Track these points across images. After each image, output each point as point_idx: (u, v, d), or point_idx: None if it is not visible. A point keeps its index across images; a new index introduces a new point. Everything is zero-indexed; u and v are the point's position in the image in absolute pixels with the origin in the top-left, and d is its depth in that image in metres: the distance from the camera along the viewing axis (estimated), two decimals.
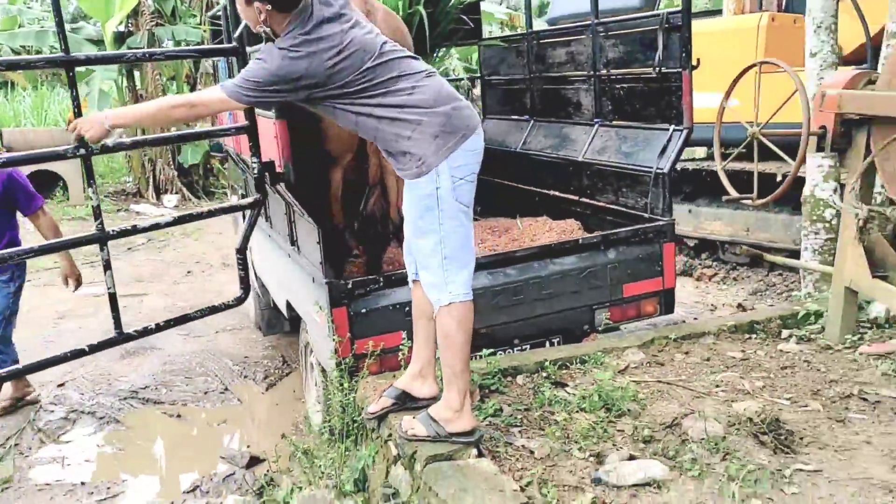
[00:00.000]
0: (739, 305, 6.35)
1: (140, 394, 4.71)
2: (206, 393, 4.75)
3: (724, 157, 4.33)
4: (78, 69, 3.40)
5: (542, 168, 5.10)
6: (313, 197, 3.91)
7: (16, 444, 4.03)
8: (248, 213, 3.84)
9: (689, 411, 3.01)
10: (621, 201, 4.36)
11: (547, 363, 3.40)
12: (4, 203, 4.21)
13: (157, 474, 3.87)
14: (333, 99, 2.66)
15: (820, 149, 3.52)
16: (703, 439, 2.76)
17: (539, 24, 8.75)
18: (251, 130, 3.49)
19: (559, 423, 2.90)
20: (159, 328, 3.44)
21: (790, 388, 3.23)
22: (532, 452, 2.74)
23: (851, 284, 3.55)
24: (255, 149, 3.51)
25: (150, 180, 12.17)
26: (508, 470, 2.61)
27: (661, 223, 4.01)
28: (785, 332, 3.84)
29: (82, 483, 3.66)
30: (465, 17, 5.43)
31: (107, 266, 3.25)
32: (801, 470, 2.58)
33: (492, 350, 3.54)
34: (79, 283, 4.53)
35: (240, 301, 3.85)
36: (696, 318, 5.63)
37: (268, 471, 3.63)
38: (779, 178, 5.73)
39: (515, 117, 5.63)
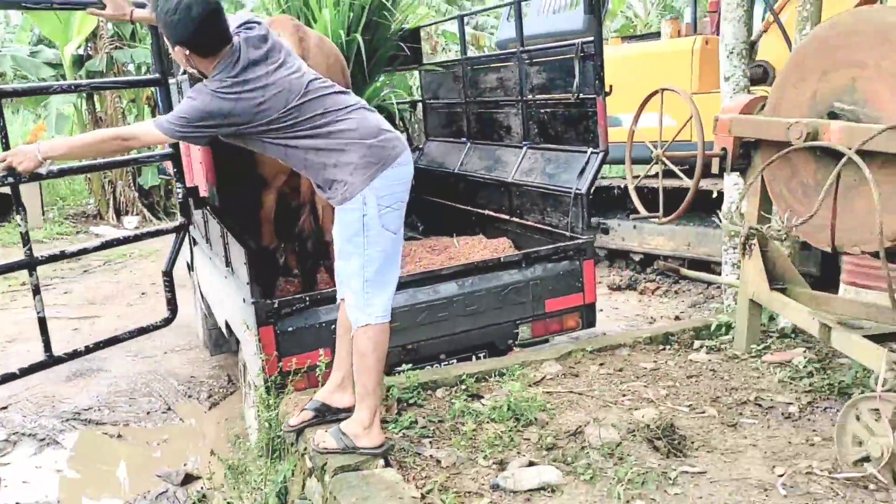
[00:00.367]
0: (677, 317, 6.59)
1: (83, 415, 4.81)
2: (148, 413, 4.85)
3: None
4: None
5: (478, 188, 5.29)
6: (242, 219, 4.06)
7: None
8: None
9: (594, 419, 3.19)
10: (546, 220, 4.56)
11: (465, 377, 3.57)
12: None
13: (91, 494, 3.97)
14: (261, 134, 2.79)
15: (721, 170, 3.74)
16: (600, 445, 2.93)
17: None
18: (175, 157, 3.64)
19: (467, 433, 3.06)
20: (88, 350, 3.56)
21: (692, 395, 3.43)
22: (439, 462, 2.89)
23: (754, 296, 3.77)
24: (179, 174, 3.66)
25: (111, 202, 12.21)
26: (413, 479, 2.77)
27: (580, 241, 4.21)
28: (697, 343, 4.05)
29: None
30: (403, 45, 5.63)
31: (35, 291, 3.36)
32: (686, 472, 2.77)
33: (416, 365, 3.71)
34: None
35: (167, 322, 3.98)
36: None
37: (201, 487, 3.74)
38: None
39: (454, 140, 5.83)
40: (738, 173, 4.12)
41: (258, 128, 2.75)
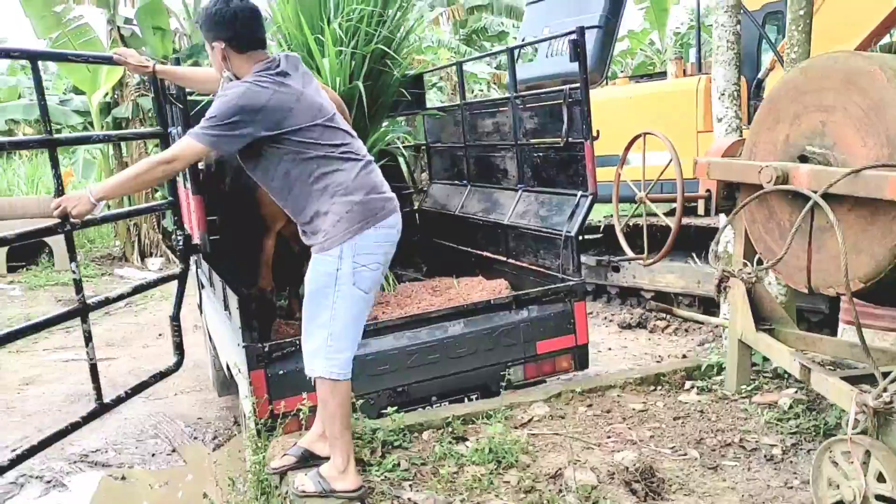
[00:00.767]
0: (684, 356, 6.56)
1: (90, 457, 4.91)
2: (153, 455, 4.94)
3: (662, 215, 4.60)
4: None
5: (477, 230, 5.37)
6: (239, 264, 4.18)
7: None
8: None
9: (575, 462, 3.21)
10: (539, 262, 4.62)
11: (453, 419, 3.61)
12: None
13: None
14: (280, 144, 2.78)
15: (707, 211, 3.79)
16: (576, 489, 2.96)
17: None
18: (174, 205, 3.77)
19: (446, 476, 3.10)
20: (128, 396, 3.67)
21: (677, 437, 3.44)
22: None
23: (742, 337, 3.77)
24: (178, 222, 3.79)
25: (136, 244, 12.50)
26: None
27: (571, 283, 4.25)
28: (689, 384, 4.05)
29: None
30: (404, 90, 5.77)
31: (88, 338, 3.43)
32: None
33: (407, 407, 3.76)
34: None
35: (176, 366, 4.08)
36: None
37: None
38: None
39: (455, 182, 5.94)
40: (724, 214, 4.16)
41: (280, 137, 2.77)
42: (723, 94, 4.77)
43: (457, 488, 3.03)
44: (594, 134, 4.23)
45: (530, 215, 4.73)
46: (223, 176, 4.52)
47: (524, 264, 4.80)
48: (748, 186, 3.43)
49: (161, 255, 12.46)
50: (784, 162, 3.13)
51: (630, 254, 3.90)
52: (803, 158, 3.07)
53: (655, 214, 3.77)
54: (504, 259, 5.03)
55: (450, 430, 3.56)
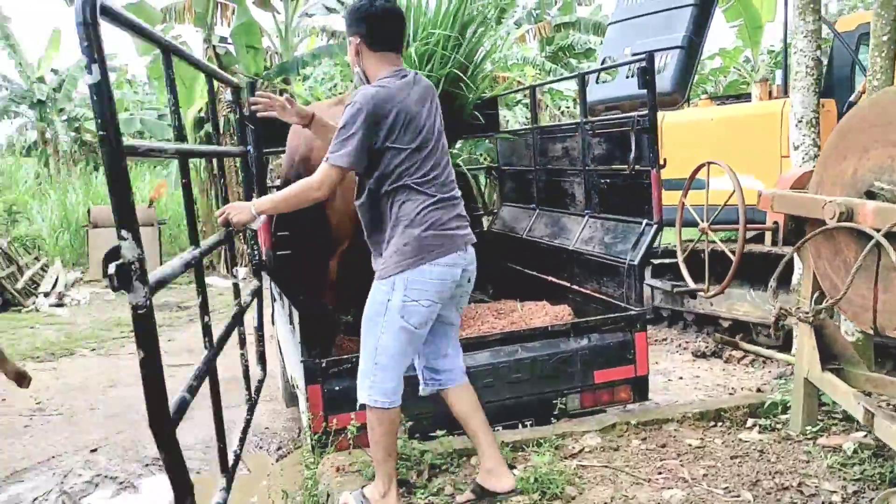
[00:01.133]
0: (758, 390, 6.33)
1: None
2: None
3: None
4: None
5: (543, 254, 5.36)
6: (301, 281, 4.30)
7: None
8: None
9: (621, 497, 3.16)
10: (602, 290, 4.57)
11: (501, 445, 3.60)
12: None
13: None
14: (375, 157, 2.81)
15: (774, 243, 3.68)
16: None
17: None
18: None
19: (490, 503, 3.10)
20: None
21: (732, 477, 3.33)
22: None
23: (808, 376, 3.64)
24: (254, 240, 3.94)
25: (223, 253, 12.97)
26: None
27: (632, 313, 4.19)
28: (751, 421, 3.92)
29: None
30: (478, 113, 5.82)
31: (243, 342, 3.80)
32: None
33: (458, 431, 3.77)
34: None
35: (261, 378, 4.23)
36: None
37: None
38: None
39: (524, 205, 5.94)
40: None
41: (381, 150, 2.79)
42: (800, 121, 4.64)
43: None
44: (661, 162, 4.16)
45: (595, 242, 4.69)
46: None
47: (587, 291, 4.76)
48: (815, 221, 3.32)
49: (246, 265, 12.88)
50: (850, 198, 3.02)
51: (691, 284, 3.83)
52: (870, 195, 2.96)
53: (715, 243, 3.67)
54: (567, 285, 5.00)
55: None
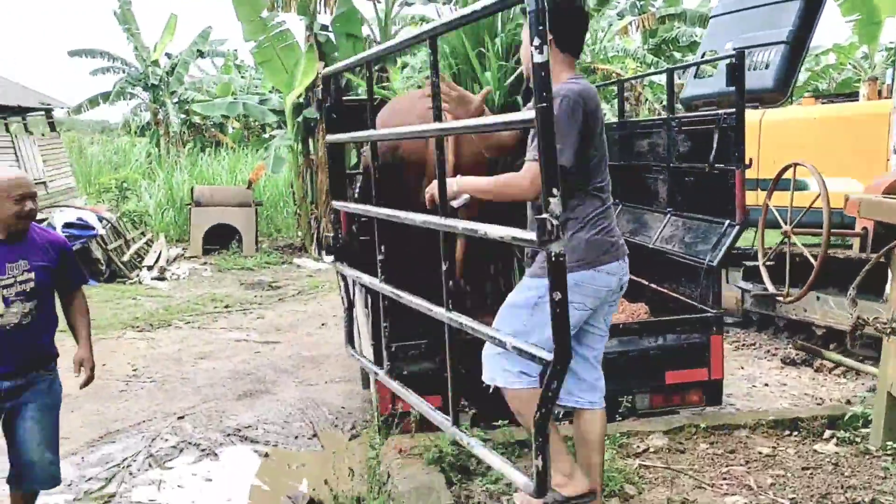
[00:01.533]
0: (847, 402, 6.06)
1: (242, 432, 5.35)
2: (296, 437, 5.29)
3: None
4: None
5: None
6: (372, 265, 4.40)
7: (128, 466, 4.75)
8: None
9: (682, 500, 3.11)
10: (680, 290, 4.48)
11: (565, 440, 3.60)
12: (56, 279, 3.33)
13: None
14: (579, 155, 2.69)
15: (862, 249, 3.53)
16: None
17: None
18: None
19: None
20: None
21: (801, 488, 3.24)
22: None
23: (892, 389, 3.48)
24: (336, 221, 4.06)
25: (314, 236, 13.34)
26: None
27: (708, 315, 4.10)
28: (829, 433, 3.79)
29: None
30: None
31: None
32: None
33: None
34: (90, 374, 3.48)
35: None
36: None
37: None
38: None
39: None
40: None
41: (585, 147, 2.71)
42: None
43: None
44: (746, 161, 4.04)
45: (675, 241, 4.60)
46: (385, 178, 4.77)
47: (664, 290, 4.68)
48: None
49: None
50: None
51: (771, 288, 3.71)
52: None
53: (797, 246, 3.55)
54: (646, 283, 4.92)
55: None
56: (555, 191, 1.92)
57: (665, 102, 17.31)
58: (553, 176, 1.92)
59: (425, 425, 3.73)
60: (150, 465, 4.79)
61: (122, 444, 5.12)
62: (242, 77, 26.40)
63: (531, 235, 1.99)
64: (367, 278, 3.21)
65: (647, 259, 4.92)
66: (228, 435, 5.33)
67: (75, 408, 5.60)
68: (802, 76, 18.52)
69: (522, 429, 3.71)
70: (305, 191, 13.21)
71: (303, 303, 9.72)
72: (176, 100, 22.75)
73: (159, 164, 19.18)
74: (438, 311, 2.59)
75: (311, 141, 13.33)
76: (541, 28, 1.85)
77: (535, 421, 2.06)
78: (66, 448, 4.98)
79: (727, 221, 4.19)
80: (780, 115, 7.55)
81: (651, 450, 3.60)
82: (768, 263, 7.53)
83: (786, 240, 3.57)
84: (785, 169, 3.64)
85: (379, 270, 3.04)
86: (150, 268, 11.40)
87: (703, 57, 8.93)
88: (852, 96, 8.12)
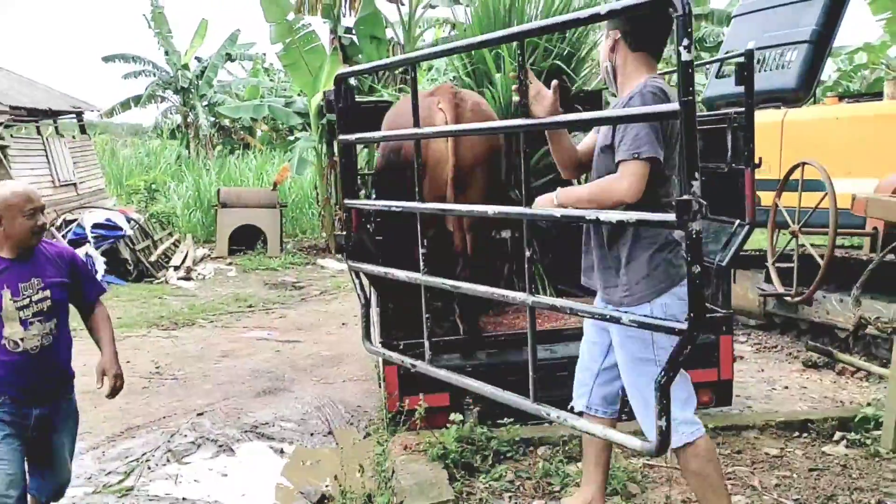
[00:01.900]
0: (869, 404, 5.98)
1: (259, 429, 5.42)
2: (312, 434, 5.36)
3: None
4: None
5: None
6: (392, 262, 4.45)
7: (147, 460, 4.85)
8: None
9: (684, 499, 3.11)
10: None
11: (570, 438, 3.62)
12: (71, 293, 3.19)
13: (241, 500, 4.48)
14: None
15: (872, 249, 3.50)
16: None
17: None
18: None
19: (550, 493, 3.13)
20: None
21: (806, 490, 3.22)
22: None
23: None
24: (347, 222, 4.12)
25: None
26: None
27: (717, 314, 4.09)
28: (839, 435, 3.76)
29: (184, 499, 4.36)
30: (580, 107, 5.79)
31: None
32: None
33: (530, 419, 3.81)
34: (116, 382, 3.24)
35: None
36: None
37: None
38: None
39: None
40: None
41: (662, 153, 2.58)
42: None
43: None
44: (756, 161, 4.03)
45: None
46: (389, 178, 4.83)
47: None
48: None
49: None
50: None
51: (779, 288, 3.69)
52: None
53: (804, 246, 3.53)
54: None
55: (565, 448, 3.58)
56: (696, 175, 2.01)
57: None
58: (694, 158, 1.99)
59: (430, 422, 3.78)
60: (168, 460, 4.88)
61: (141, 440, 5.22)
62: (271, 80, 26.69)
63: (670, 217, 2.04)
64: (402, 274, 3.20)
65: None
66: (246, 431, 5.40)
67: (98, 404, 5.72)
68: (832, 75, 18.28)
69: (527, 427, 3.74)
70: (329, 192, 13.32)
71: (325, 303, 9.81)
72: (206, 103, 23.06)
73: (188, 167, 19.47)
74: (520, 297, 2.51)
75: (335, 143, 13.41)
76: (689, 30, 1.91)
77: (659, 384, 2.05)
78: (88, 442, 5.11)
79: (737, 221, 4.17)
80: (802, 115, 7.46)
81: None
82: (788, 265, 7.50)
83: (794, 240, 3.54)
84: (794, 168, 3.62)
85: (422, 264, 3.06)
86: (176, 268, 11.59)
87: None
88: (877, 96, 7.99)
